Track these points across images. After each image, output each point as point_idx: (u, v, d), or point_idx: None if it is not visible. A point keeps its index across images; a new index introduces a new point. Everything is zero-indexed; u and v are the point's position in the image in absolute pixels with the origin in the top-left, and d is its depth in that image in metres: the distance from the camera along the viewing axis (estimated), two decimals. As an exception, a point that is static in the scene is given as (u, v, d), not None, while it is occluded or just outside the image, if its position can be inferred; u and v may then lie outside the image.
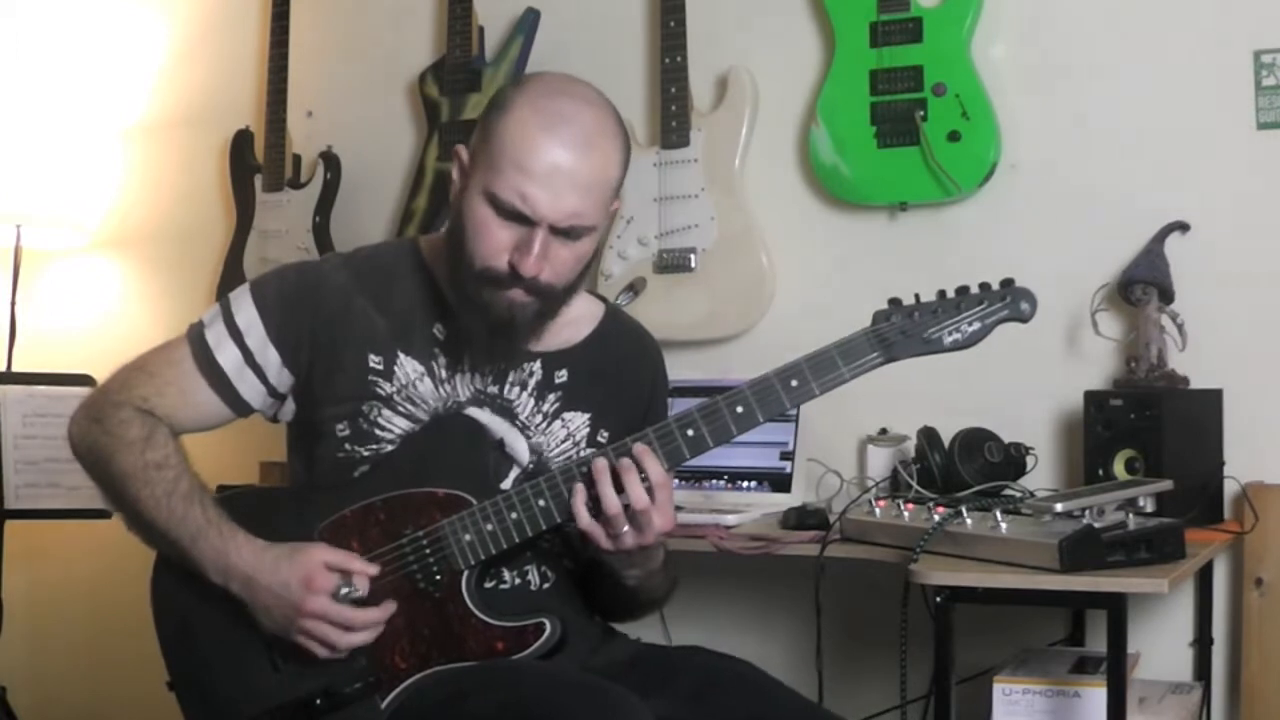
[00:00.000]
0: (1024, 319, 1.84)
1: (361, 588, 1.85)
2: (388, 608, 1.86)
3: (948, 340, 1.83)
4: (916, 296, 1.84)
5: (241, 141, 3.46)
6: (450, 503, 1.89)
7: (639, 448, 1.82)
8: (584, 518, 1.83)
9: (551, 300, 1.90)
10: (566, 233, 1.85)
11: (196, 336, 1.99)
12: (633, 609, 2.08)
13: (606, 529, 1.83)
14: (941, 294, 1.84)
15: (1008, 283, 1.85)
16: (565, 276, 1.89)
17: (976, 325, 1.83)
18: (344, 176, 3.33)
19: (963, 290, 1.84)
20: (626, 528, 1.82)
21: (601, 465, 1.82)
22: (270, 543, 1.88)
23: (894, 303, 1.85)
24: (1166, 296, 2.58)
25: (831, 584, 2.45)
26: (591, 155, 1.85)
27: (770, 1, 3.01)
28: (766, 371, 1.85)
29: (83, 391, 2.05)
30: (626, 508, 1.81)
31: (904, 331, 1.83)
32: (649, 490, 1.81)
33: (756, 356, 2.88)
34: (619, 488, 1.81)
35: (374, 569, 1.87)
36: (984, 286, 1.84)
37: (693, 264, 2.94)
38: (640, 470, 1.81)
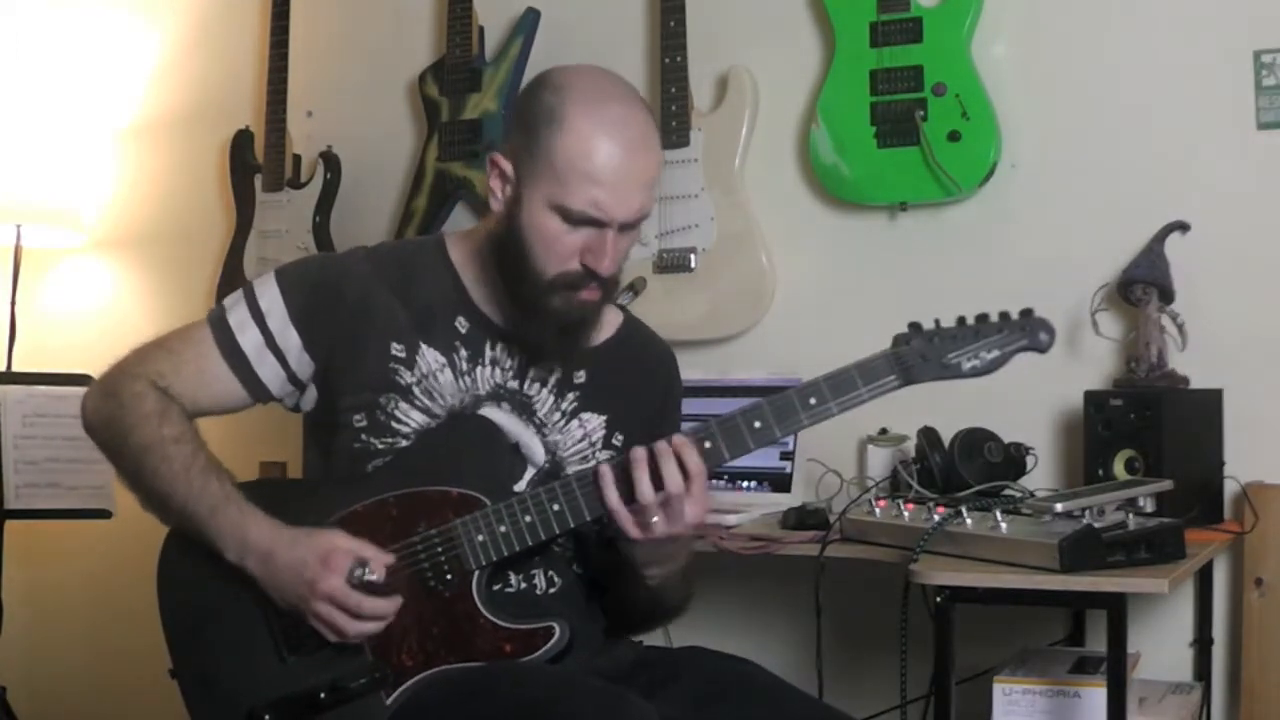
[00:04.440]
0: (1042, 349, 1.86)
1: (378, 572, 1.84)
2: (395, 601, 1.85)
3: (966, 367, 1.84)
4: (937, 321, 1.85)
5: (241, 141, 3.46)
6: (464, 503, 1.88)
7: (678, 439, 1.83)
8: (612, 498, 1.83)
9: (613, 289, 1.97)
10: (630, 226, 1.90)
11: (218, 318, 1.99)
12: (647, 617, 2.07)
13: (636, 516, 1.83)
14: (961, 320, 1.85)
15: (1027, 312, 1.86)
16: (624, 264, 1.96)
17: (995, 353, 1.84)
18: (344, 176, 3.33)
19: (982, 318, 1.85)
20: (657, 517, 1.82)
21: (640, 453, 1.82)
22: (286, 524, 1.88)
23: (914, 326, 1.86)
24: (1166, 296, 2.58)
25: (831, 584, 2.45)
26: (648, 152, 1.90)
27: (770, 1, 3.01)
28: (787, 390, 1.86)
29: (82, 391, 2.02)
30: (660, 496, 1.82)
31: (923, 356, 1.84)
32: (685, 478, 1.82)
33: (756, 356, 2.92)
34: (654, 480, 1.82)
35: (390, 558, 1.86)
36: (1003, 315, 1.86)
37: (693, 264, 2.94)
38: (678, 458, 1.82)
